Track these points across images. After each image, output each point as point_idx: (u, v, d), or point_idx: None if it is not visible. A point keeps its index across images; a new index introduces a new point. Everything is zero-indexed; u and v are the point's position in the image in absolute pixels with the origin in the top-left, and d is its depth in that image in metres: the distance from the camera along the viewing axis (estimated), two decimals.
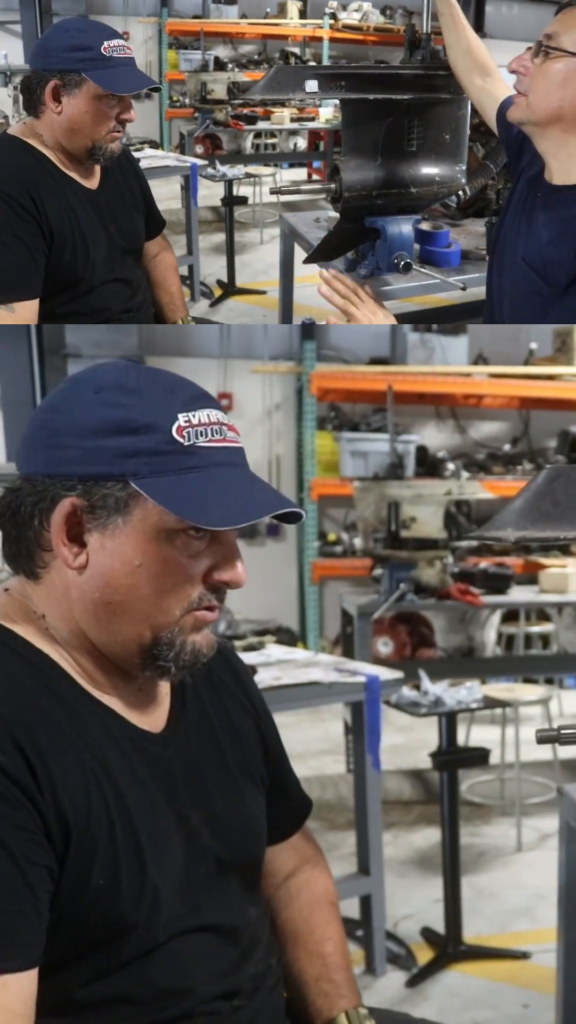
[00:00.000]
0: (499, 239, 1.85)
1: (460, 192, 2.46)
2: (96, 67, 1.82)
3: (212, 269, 5.69)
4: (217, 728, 1.06)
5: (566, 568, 4.61)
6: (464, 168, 2.25)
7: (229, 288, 5.46)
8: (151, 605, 0.92)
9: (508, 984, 2.59)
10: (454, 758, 2.84)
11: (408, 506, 3.73)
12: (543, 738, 1.13)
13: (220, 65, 7.99)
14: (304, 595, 6.04)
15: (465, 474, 5.57)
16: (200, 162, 4.99)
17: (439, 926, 2.76)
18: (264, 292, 5.42)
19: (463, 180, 2.26)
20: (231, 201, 5.46)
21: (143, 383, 0.94)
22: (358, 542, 5.31)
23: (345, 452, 5.96)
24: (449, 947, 2.70)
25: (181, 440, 0.91)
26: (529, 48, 1.63)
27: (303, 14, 8.69)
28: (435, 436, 6.28)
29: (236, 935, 0.98)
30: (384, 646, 5.16)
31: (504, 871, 3.33)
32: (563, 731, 1.09)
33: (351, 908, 2.63)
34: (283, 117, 7.34)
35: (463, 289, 2.29)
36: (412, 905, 3.01)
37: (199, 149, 7.21)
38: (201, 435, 0.92)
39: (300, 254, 3.29)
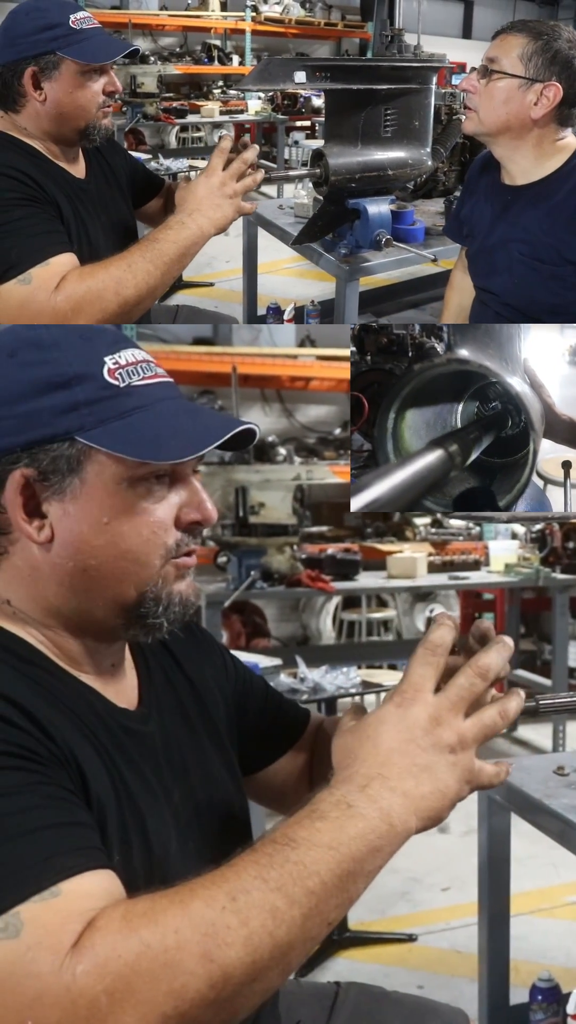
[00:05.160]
0: (480, 253, 1.99)
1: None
2: (70, 43, 1.72)
3: None
4: (183, 698, 1.03)
5: (403, 552, 4.50)
6: (429, 151, 2.45)
7: (176, 282, 5.57)
8: (131, 561, 0.88)
9: (399, 967, 2.55)
10: None
11: (256, 491, 3.59)
12: (524, 710, 1.08)
13: (143, 58, 8.05)
14: None
15: (297, 459, 5.45)
16: (144, 156, 5.10)
17: None
18: (211, 284, 5.53)
19: (429, 162, 2.46)
20: None
21: (57, 336, 0.90)
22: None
23: None
24: (334, 934, 2.63)
25: (116, 383, 0.88)
26: (475, 69, 1.89)
27: (224, 6, 8.81)
28: (262, 420, 5.98)
29: None
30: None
31: None
32: (540, 703, 1.06)
33: None
34: (212, 110, 7.42)
35: (434, 261, 2.50)
36: None
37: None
38: (133, 374, 0.90)
39: (263, 241, 3.45)
